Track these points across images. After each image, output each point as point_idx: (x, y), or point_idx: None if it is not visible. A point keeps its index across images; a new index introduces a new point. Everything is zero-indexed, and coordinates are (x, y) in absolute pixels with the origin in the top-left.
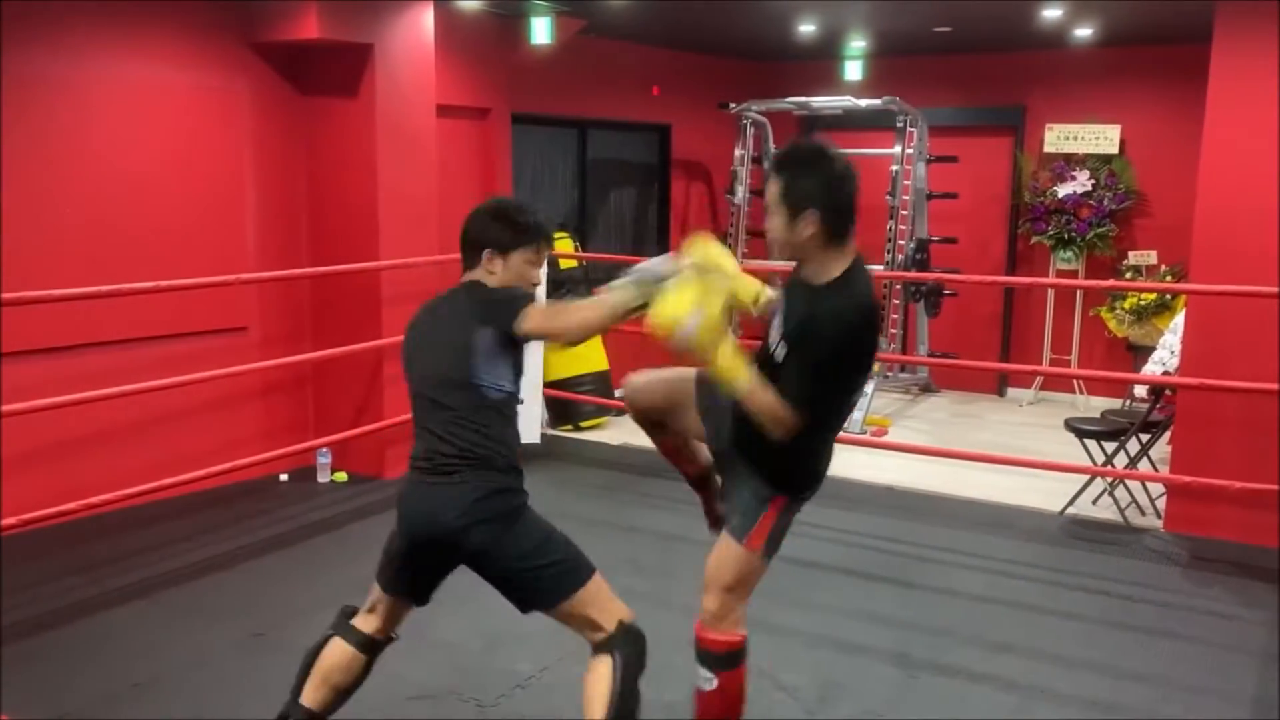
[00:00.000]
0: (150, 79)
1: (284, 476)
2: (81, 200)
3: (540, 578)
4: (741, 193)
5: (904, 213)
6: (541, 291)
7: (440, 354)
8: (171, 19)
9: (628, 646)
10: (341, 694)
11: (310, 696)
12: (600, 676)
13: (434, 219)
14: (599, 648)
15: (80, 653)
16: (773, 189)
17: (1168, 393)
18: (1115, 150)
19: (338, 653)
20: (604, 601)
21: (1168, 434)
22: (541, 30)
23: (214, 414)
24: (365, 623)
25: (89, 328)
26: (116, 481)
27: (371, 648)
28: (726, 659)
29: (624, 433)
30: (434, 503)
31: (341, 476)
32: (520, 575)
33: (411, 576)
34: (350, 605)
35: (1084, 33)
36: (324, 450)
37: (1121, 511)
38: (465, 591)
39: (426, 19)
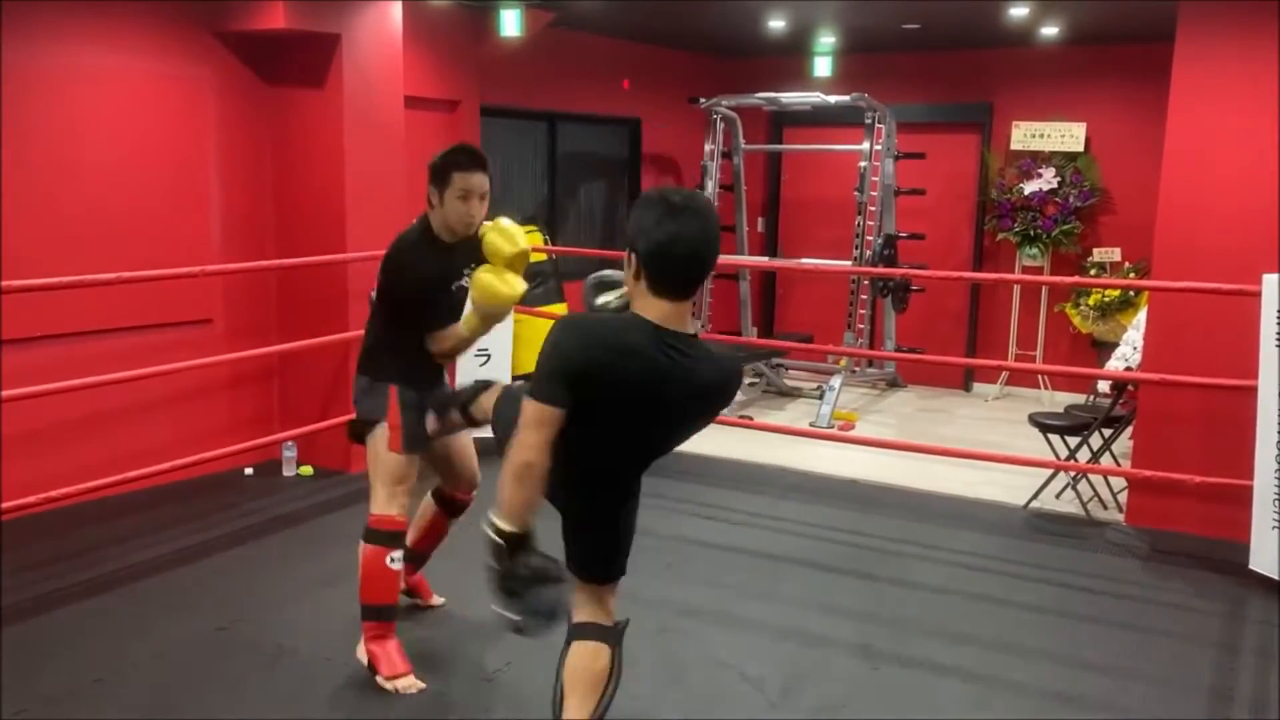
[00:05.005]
0: (113, 68)
1: (249, 470)
2: (42, 190)
3: None
4: (711, 187)
5: (872, 208)
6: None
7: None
8: (135, 7)
9: None
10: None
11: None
12: None
13: (402, 211)
14: None
15: (41, 648)
16: None
17: (1130, 388)
18: (1080, 148)
19: None
20: None
21: (1130, 429)
22: (511, 23)
23: (178, 407)
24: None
25: (49, 319)
26: (79, 475)
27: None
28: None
29: None
30: None
31: (307, 470)
32: None
33: None
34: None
35: (1050, 31)
36: (290, 444)
37: (1084, 505)
38: (434, 586)
39: (395, 10)
